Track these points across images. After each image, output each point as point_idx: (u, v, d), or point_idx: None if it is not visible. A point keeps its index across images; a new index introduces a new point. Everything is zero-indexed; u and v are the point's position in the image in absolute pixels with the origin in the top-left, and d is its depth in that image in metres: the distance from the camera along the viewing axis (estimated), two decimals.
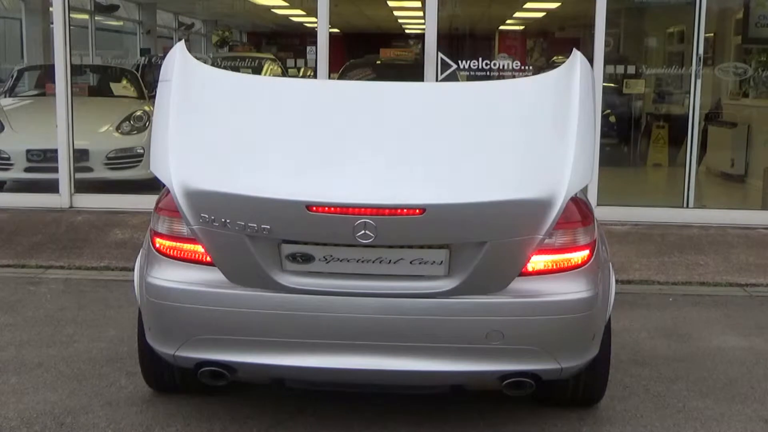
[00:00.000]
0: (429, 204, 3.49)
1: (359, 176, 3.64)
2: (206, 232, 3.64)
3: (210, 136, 3.78)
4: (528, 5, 15.62)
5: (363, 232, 3.51)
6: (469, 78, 10.21)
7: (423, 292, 3.70)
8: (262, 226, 3.55)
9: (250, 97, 4.01)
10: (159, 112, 3.83)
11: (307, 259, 3.69)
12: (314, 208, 3.48)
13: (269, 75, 15.31)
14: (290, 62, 14.79)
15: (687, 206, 9.00)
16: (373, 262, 3.68)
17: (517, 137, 3.80)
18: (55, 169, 9.03)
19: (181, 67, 3.92)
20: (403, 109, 3.97)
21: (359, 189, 3.58)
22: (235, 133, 3.81)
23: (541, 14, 17.27)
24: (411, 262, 3.69)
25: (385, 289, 3.70)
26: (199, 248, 3.79)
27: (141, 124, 10.38)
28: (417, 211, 3.49)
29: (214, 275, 3.77)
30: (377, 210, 3.49)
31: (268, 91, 4.14)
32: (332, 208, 3.50)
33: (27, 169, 9.66)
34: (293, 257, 3.68)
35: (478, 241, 3.62)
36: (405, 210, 3.49)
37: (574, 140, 3.65)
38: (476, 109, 4.00)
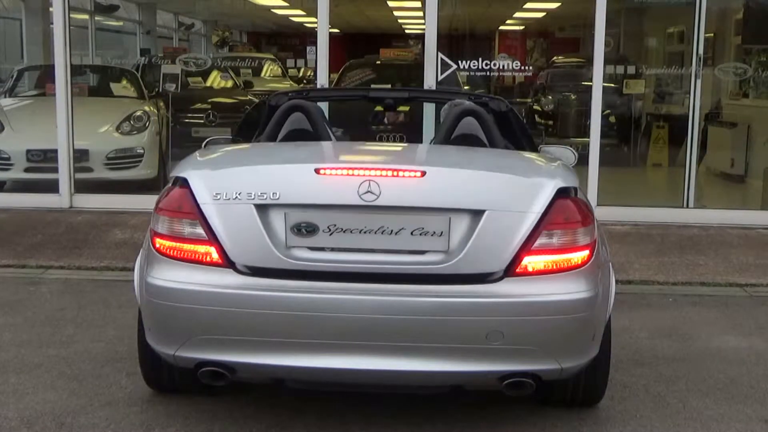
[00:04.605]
0: (430, 168, 3.92)
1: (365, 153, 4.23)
2: (217, 207, 3.79)
3: (228, 152, 4.66)
4: (528, 5, 15.64)
5: (367, 191, 3.72)
6: (469, 78, 10.24)
7: (424, 268, 3.73)
8: (272, 191, 3.76)
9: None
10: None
11: (312, 230, 3.75)
12: (322, 170, 3.84)
13: (269, 75, 15.34)
14: (290, 62, 14.78)
15: (687, 206, 9.01)
16: (375, 232, 3.74)
17: (512, 156, 4.73)
18: (55, 169, 9.03)
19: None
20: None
21: (364, 157, 4.19)
22: (251, 150, 4.71)
23: (541, 14, 17.29)
24: (412, 233, 3.74)
25: (388, 263, 3.74)
26: (200, 248, 3.80)
27: (141, 124, 10.37)
28: (418, 173, 3.81)
29: (215, 275, 3.78)
30: (381, 168, 3.83)
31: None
32: (339, 169, 3.87)
33: (27, 169, 9.65)
34: (298, 228, 3.75)
35: (476, 209, 3.74)
36: (407, 171, 3.84)
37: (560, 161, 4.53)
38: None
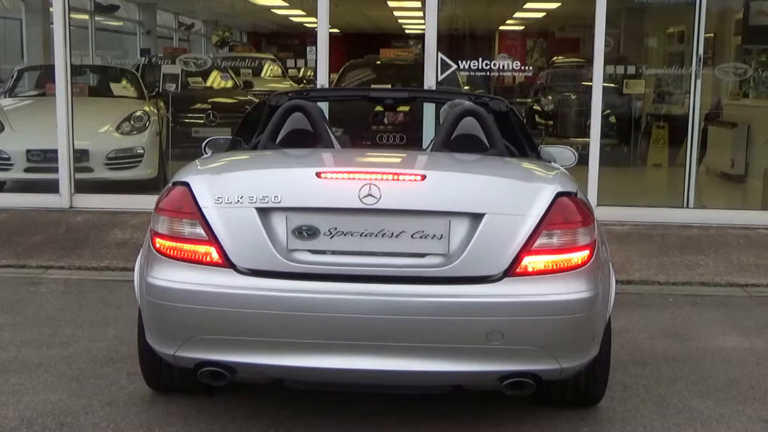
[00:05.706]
0: (430, 172, 3.94)
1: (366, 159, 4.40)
2: (218, 211, 3.80)
3: (229, 160, 4.62)
4: (528, 5, 15.64)
5: (368, 195, 3.73)
6: (469, 78, 10.24)
7: (424, 271, 3.74)
8: (274, 195, 3.78)
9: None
10: None
11: (313, 233, 3.75)
12: (323, 174, 3.85)
13: (269, 75, 15.34)
14: (290, 62, 14.80)
15: (687, 206, 9.01)
16: (376, 235, 3.75)
17: (512, 163, 4.66)
18: (55, 169, 9.02)
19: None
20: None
21: (365, 163, 4.27)
22: (252, 156, 4.70)
23: (541, 14, 17.29)
24: (412, 236, 3.75)
25: (388, 266, 3.74)
26: (200, 248, 3.80)
27: (141, 124, 10.37)
28: (419, 177, 3.84)
29: (214, 275, 3.78)
30: (382, 172, 3.84)
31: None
32: (339, 173, 3.89)
33: (27, 170, 9.65)
34: (299, 231, 3.75)
35: (476, 212, 3.75)
36: (407, 175, 3.86)
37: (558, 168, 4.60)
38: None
